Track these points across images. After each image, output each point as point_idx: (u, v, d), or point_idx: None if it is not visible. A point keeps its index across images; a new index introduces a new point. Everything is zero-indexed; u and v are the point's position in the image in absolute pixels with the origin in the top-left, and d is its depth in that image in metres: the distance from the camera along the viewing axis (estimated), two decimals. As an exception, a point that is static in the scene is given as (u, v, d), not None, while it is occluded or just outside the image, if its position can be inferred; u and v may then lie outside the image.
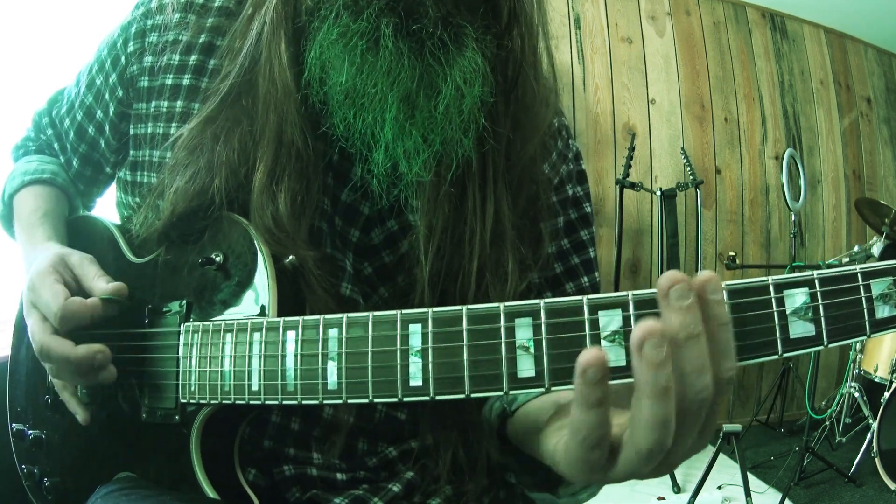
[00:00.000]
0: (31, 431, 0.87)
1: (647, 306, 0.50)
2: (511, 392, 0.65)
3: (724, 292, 0.48)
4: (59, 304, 0.73)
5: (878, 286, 0.47)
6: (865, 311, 0.47)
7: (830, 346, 0.48)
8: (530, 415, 0.70)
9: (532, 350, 0.52)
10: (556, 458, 0.55)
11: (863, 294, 0.47)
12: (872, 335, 0.47)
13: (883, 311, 0.47)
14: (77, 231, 0.91)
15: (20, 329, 0.91)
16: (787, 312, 0.49)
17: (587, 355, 0.45)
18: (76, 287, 0.77)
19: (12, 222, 0.95)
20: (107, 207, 1.01)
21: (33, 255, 0.84)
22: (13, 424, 0.91)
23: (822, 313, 0.48)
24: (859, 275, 0.47)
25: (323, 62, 0.70)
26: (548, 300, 0.52)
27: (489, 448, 0.79)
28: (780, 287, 0.49)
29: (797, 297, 0.48)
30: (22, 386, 0.90)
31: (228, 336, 0.65)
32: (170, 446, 0.71)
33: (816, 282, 0.48)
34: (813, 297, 0.48)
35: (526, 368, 0.52)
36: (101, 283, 0.76)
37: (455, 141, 0.72)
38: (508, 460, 0.78)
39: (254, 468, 0.76)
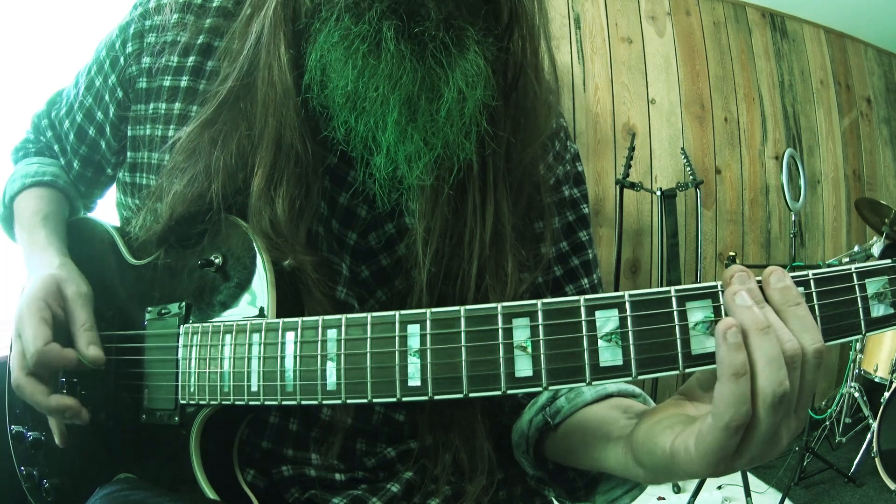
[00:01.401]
0: (30, 433, 0.87)
1: (644, 307, 0.50)
2: (549, 406, 0.67)
3: (788, 277, 0.51)
4: (37, 347, 0.72)
5: (874, 285, 0.47)
6: (861, 310, 0.48)
7: (828, 344, 0.48)
8: (590, 425, 0.71)
9: (530, 350, 0.52)
10: (682, 457, 0.55)
11: (858, 293, 0.47)
12: (868, 334, 0.48)
13: (878, 310, 0.47)
14: (77, 233, 0.91)
15: (19, 330, 0.91)
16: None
17: (724, 323, 0.49)
18: (63, 319, 0.77)
19: (13, 225, 0.95)
20: (107, 208, 1.01)
21: (34, 259, 0.84)
22: (12, 426, 0.91)
23: (818, 312, 0.48)
24: (854, 274, 0.48)
25: (324, 65, 0.69)
26: (545, 300, 0.52)
27: (522, 462, 0.80)
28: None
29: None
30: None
31: (228, 337, 0.65)
32: (169, 447, 0.71)
33: (812, 282, 0.48)
34: (808, 296, 0.49)
35: (523, 368, 0.52)
36: (83, 343, 0.76)
37: (456, 144, 0.71)
38: (542, 473, 0.79)
39: (252, 469, 0.76)
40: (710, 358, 0.50)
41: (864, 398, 3.16)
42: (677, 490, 3.08)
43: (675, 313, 0.50)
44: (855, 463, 2.99)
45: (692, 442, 0.53)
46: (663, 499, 3.01)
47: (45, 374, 0.75)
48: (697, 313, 0.50)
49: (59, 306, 0.77)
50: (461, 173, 0.73)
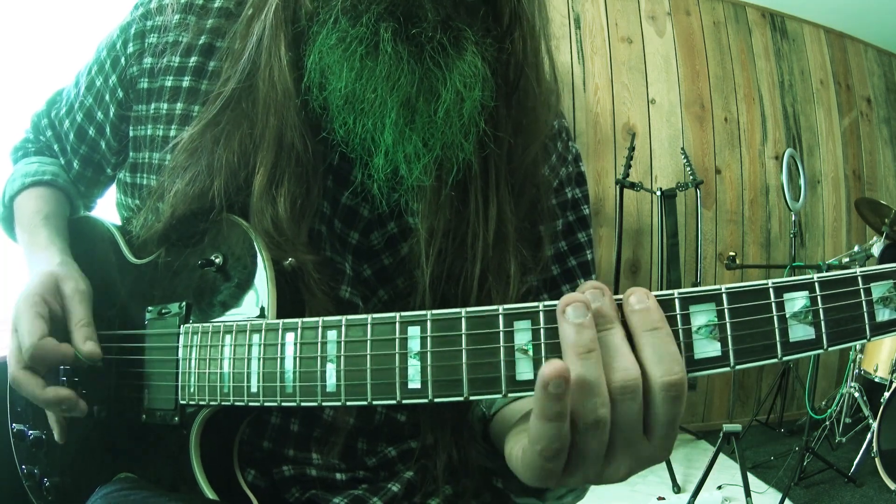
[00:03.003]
0: (31, 432, 0.87)
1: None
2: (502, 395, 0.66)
3: (652, 300, 0.50)
4: (32, 341, 0.72)
5: (879, 289, 0.47)
6: (866, 314, 0.47)
7: (830, 349, 0.48)
8: (505, 419, 0.71)
9: (531, 353, 0.52)
10: (514, 464, 0.56)
11: (863, 297, 0.47)
12: (872, 338, 0.47)
13: (883, 315, 0.47)
14: (78, 232, 0.91)
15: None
16: (787, 316, 0.49)
17: (550, 367, 0.47)
18: (61, 316, 0.77)
19: (13, 225, 0.95)
20: (107, 208, 1.01)
21: (35, 258, 0.84)
22: (13, 424, 0.91)
23: (822, 317, 0.48)
24: (860, 278, 0.47)
25: (322, 67, 0.69)
26: (546, 303, 0.52)
27: (476, 451, 0.80)
28: (779, 290, 0.49)
29: (797, 301, 0.48)
30: (22, 386, 0.90)
31: (228, 338, 0.65)
32: (169, 447, 0.71)
33: (816, 285, 0.48)
34: (813, 300, 0.48)
35: (524, 371, 0.52)
36: (80, 338, 0.75)
37: (455, 145, 0.71)
38: (495, 464, 0.79)
39: (253, 469, 0.76)
40: (711, 362, 0.50)
41: (864, 398, 3.17)
42: (677, 490, 3.09)
43: (679, 317, 0.50)
44: (855, 463, 3.00)
45: (519, 454, 0.54)
46: (663, 499, 3.01)
47: (42, 368, 0.75)
48: (701, 317, 0.50)
49: (56, 303, 0.77)
50: (461, 174, 0.73)
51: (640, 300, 0.50)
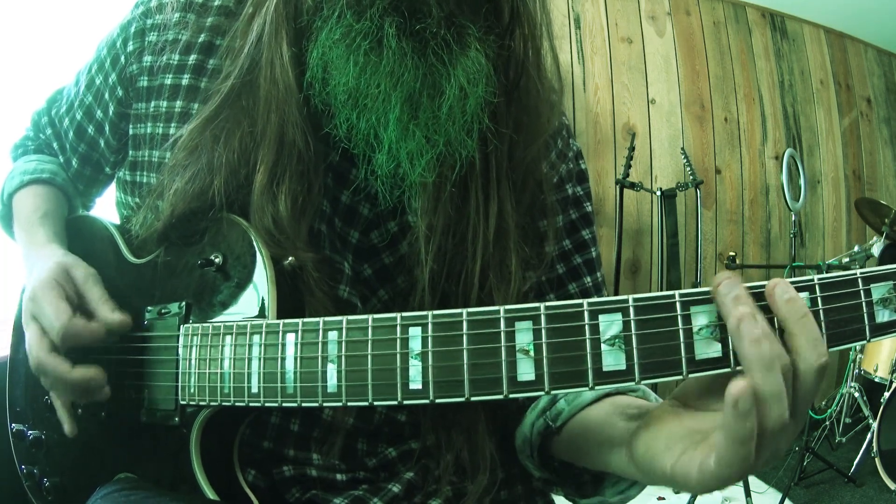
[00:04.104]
0: (30, 432, 0.87)
1: (648, 311, 0.50)
2: (550, 409, 0.66)
3: (793, 289, 0.50)
4: (62, 322, 0.72)
5: (879, 290, 0.47)
6: (865, 315, 0.47)
7: (831, 350, 0.48)
8: (591, 429, 0.71)
9: (532, 354, 0.52)
10: (677, 480, 0.55)
11: (863, 298, 0.47)
12: (872, 339, 0.47)
13: (883, 316, 0.47)
14: (76, 231, 0.91)
15: (19, 329, 0.90)
16: (788, 316, 0.48)
17: (736, 387, 0.47)
18: (77, 302, 0.77)
19: (12, 222, 0.95)
20: (106, 207, 1.01)
21: (34, 256, 0.84)
22: (13, 425, 0.91)
23: (822, 318, 0.48)
24: (860, 279, 0.47)
25: (325, 63, 0.69)
26: (548, 304, 0.52)
27: (527, 465, 0.80)
28: (780, 291, 0.49)
29: (798, 302, 0.48)
30: (21, 386, 0.90)
31: (228, 338, 0.65)
32: (169, 447, 0.71)
33: (817, 286, 0.48)
34: (813, 301, 0.48)
35: (526, 372, 0.52)
36: (107, 311, 0.75)
37: (458, 141, 0.71)
38: (548, 474, 0.78)
39: (253, 469, 0.76)
40: (713, 363, 0.50)
41: (864, 398, 3.16)
42: (677, 490, 3.08)
43: (679, 317, 0.50)
44: (855, 463, 3.00)
45: (692, 476, 0.53)
46: (663, 499, 3.01)
47: (68, 350, 0.74)
48: (701, 318, 0.50)
49: (71, 289, 0.77)
50: (463, 170, 0.73)
51: (785, 290, 0.50)
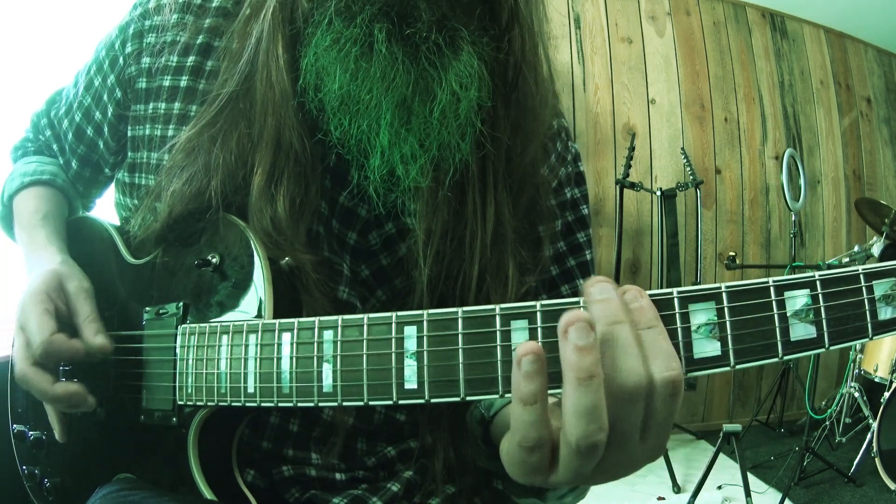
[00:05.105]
0: (31, 432, 0.87)
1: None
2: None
3: (646, 298, 0.49)
4: (43, 337, 0.72)
5: (881, 287, 0.46)
6: (868, 312, 0.46)
7: (832, 348, 0.48)
8: (505, 420, 0.70)
9: (529, 352, 0.52)
10: (503, 460, 0.55)
11: (865, 295, 0.46)
12: (875, 337, 0.47)
13: (885, 313, 0.46)
14: (76, 232, 0.91)
15: (19, 330, 0.90)
16: (788, 314, 0.48)
17: (524, 347, 0.47)
18: (66, 313, 0.76)
19: (12, 224, 0.95)
20: (106, 208, 1.01)
21: (34, 258, 0.84)
22: (14, 425, 0.91)
23: (823, 315, 0.47)
24: (861, 276, 0.47)
25: (318, 69, 0.69)
26: (544, 301, 0.51)
27: (475, 455, 0.79)
28: (780, 289, 0.48)
29: (798, 299, 0.48)
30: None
31: (225, 338, 0.65)
32: (168, 448, 0.71)
33: (818, 283, 0.47)
34: (814, 298, 0.48)
35: (522, 371, 0.52)
36: (90, 332, 0.75)
37: (452, 145, 0.71)
38: (495, 466, 0.78)
39: (253, 469, 0.76)
40: (709, 362, 0.49)
41: (864, 398, 3.17)
42: (677, 490, 3.08)
43: (678, 316, 0.50)
44: (855, 463, 3.00)
45: (505, 449, 0.53)
46: (663, 499, 3.01)
47: (50, 364, 0.74)
48: (700, 316, 0.49)
49: (61, 301, 0.77)
50: (457, 174, 0.73)
51: (634, 298, 0.49)
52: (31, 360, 0.74)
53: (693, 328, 0.49)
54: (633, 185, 3.70)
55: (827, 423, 3.36)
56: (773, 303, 0.48)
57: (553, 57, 0.81)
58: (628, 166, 3.72)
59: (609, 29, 4.20)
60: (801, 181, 3.99)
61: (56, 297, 0.77)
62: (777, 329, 0.48)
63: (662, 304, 0.50)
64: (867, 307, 0.46)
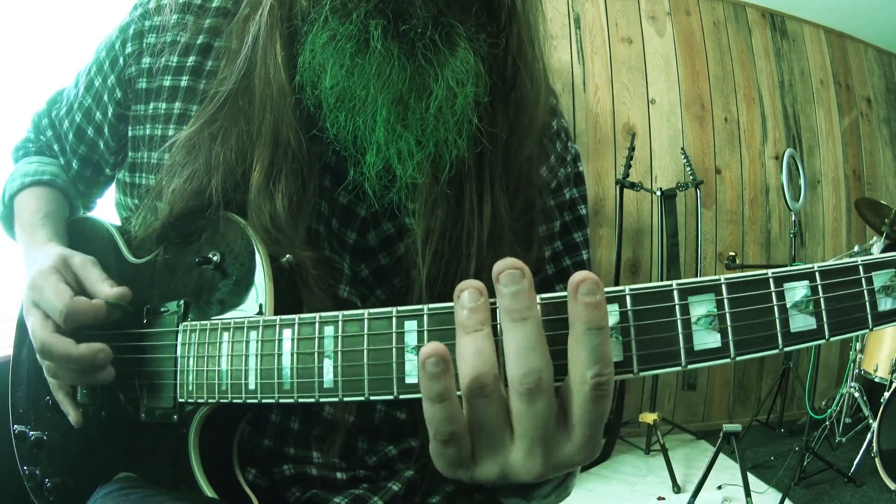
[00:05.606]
0: (32, 433, 0.87)
1: (644, 301, 0.50)
2: None
3: (601, 296, 0.48)
4: (64, 302, 0.72)
5: (880, 278, 0.46)
6: (867, 303, 0.46)
7: (832, 339, 0.47)
8: None
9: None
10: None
11: (864, 287, 0.47)
12: (875, 328, 0.47)
13: (885, 304, 0.46)
14: (77, 232, 0.91)
15: (21, 329, 0.91)
16: (788, 306, 0.48)
17: (427, 348, 0.48)
18: (78, 289, 0.77)
19: (13, 224, 0.95)
20: (106, 208, 1.01)
21: (34, 256, 0.84)
22: (15, 426, 0.91)
23: (823, 306, 0.47)
24: (861, 267, 0.47)
25: (314, 66, 0.69)
26: (542, 295, 0.52)
27: None
28: (780, 280, 0.48)
29: (798, 291, 0.48)
30: (23, 387, 0.90)
31: (225, 335, 0.65)
32: (169, 446, 0.71)
33: (817, 274, 0.47)
34: (814, 290, 0.48)
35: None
36: (105, 287, 0.76)
37: (449, 142, 0.71)
38: None
39: (254, 468, 0.76)
40: (711, 353, 0.49)
41: (864, 398, 3.16)
42: (677, 490, 3.08)
43: (678, 307, 0.50)
44: (855, 463, 3.00)
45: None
46: (663, 499, 3.01)
47: (71, 330, 0.74)
48: (700, 307, 0.50)
49: (70, 276, 0.78)
50: (454, 170, 0.73)
51: (591, 291, 0.48)
52: (51, 328, 0.74)
53: (693, 320, 0.49)
54: (633, 185, 3.70)
55: (827, 423, 3.35)
56: (773, 294, 0.48)
57: (553, 57, 0.81)
58: (628, 166, 3.72)
59: (609, 29, 4.20)
60: (801, 181, 3.99)
61: (65, 272, 0.78)
62: (777, 320, 0.48)
63: (662, 296, 0.50)
64: (867, 298, 0.46)
